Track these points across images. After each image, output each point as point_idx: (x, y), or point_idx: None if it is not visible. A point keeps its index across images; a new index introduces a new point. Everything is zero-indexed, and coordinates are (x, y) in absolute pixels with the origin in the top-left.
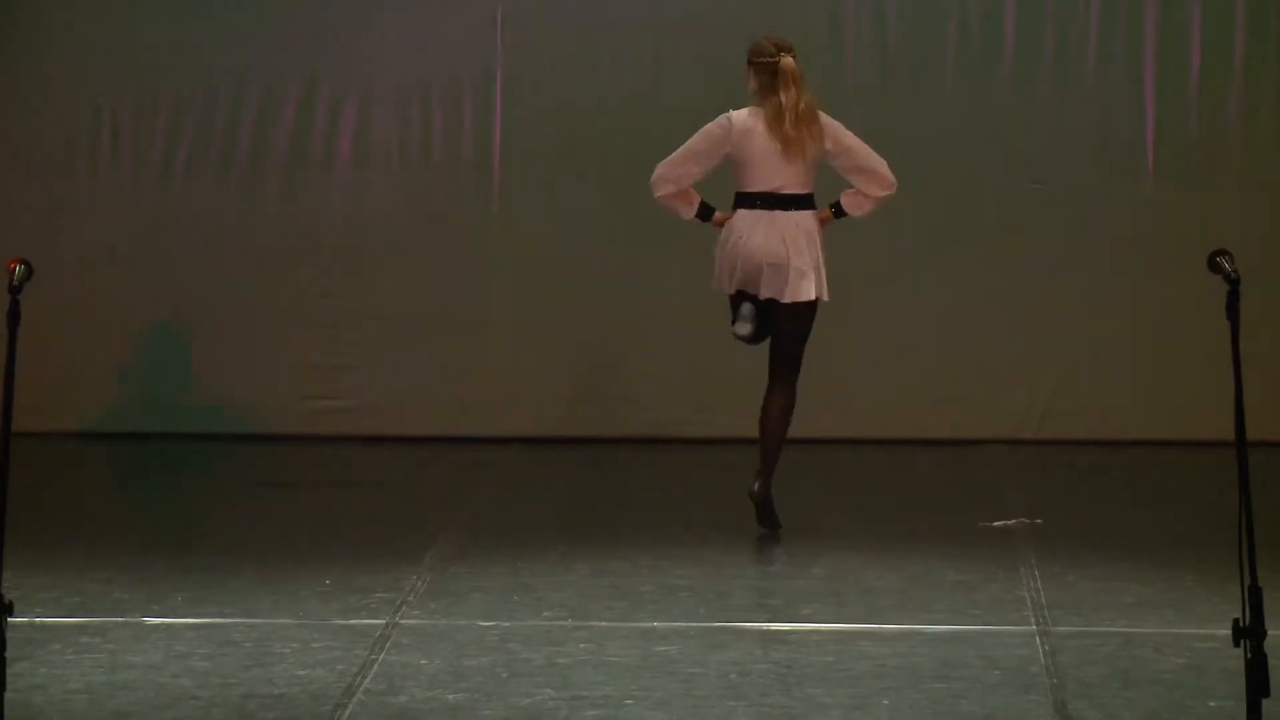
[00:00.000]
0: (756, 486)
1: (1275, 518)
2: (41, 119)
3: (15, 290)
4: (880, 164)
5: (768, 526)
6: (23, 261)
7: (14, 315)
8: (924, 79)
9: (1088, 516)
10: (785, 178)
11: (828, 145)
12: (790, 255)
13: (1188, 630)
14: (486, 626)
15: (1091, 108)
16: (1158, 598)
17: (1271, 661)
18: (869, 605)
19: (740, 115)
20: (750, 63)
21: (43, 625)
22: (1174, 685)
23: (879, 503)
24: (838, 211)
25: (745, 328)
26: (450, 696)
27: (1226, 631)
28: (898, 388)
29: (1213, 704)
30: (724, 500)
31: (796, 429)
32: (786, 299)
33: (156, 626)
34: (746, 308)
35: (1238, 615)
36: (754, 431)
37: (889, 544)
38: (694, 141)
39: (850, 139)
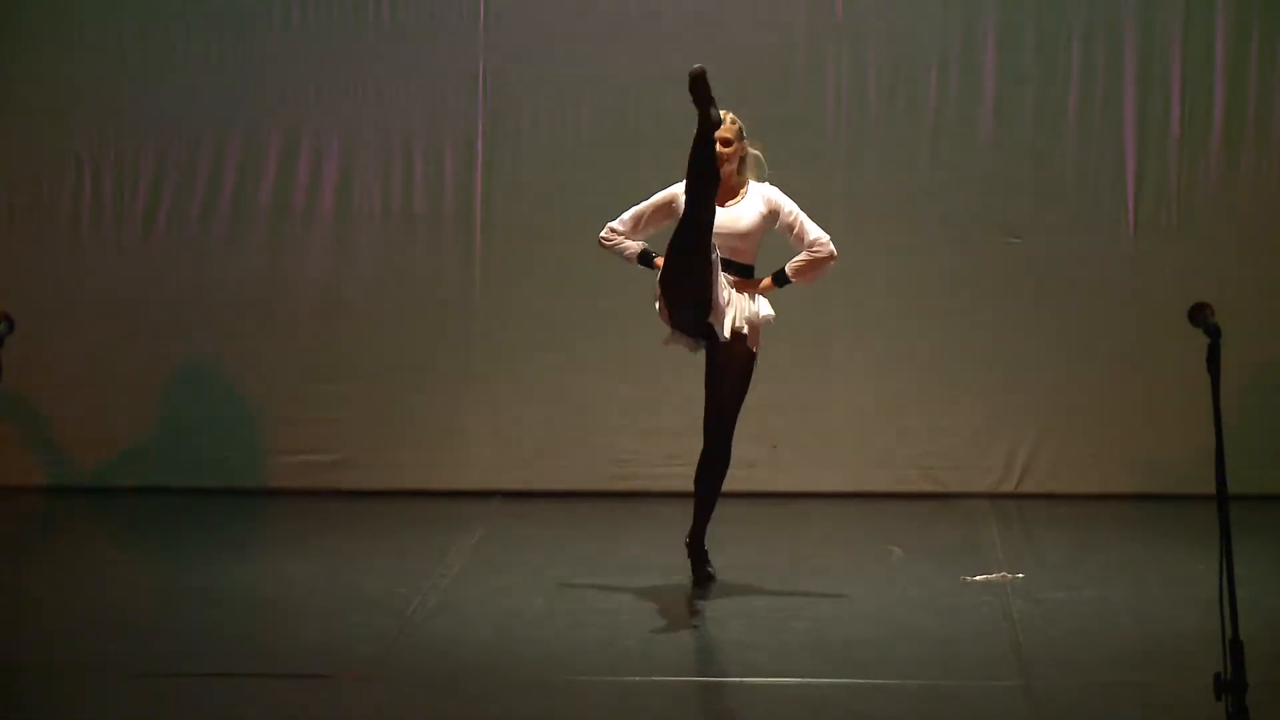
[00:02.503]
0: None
1: (1257, 572)
2: (22, 171)
3: None
4: None
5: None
6: (5, 316)
7: None
8: (902, 133)
9: (1069, 571)
10: None
11: None
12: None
13: (1170, 684)
14: (468, 680)
15: (1070, 162)
16: (1140, 651)
17: (1252, 715)
18: (850, 660)
19: None
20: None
21: (25, 676)
22: None
23: (860, 557)
24: None
25: None
26: None
27: (1209, 684)
28: (878, 442)
29: None
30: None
31: (778, 482)
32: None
33: (137, 677)
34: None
35: (1219, 669)
36: (737, 485)
37: (870, 598)
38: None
39: None
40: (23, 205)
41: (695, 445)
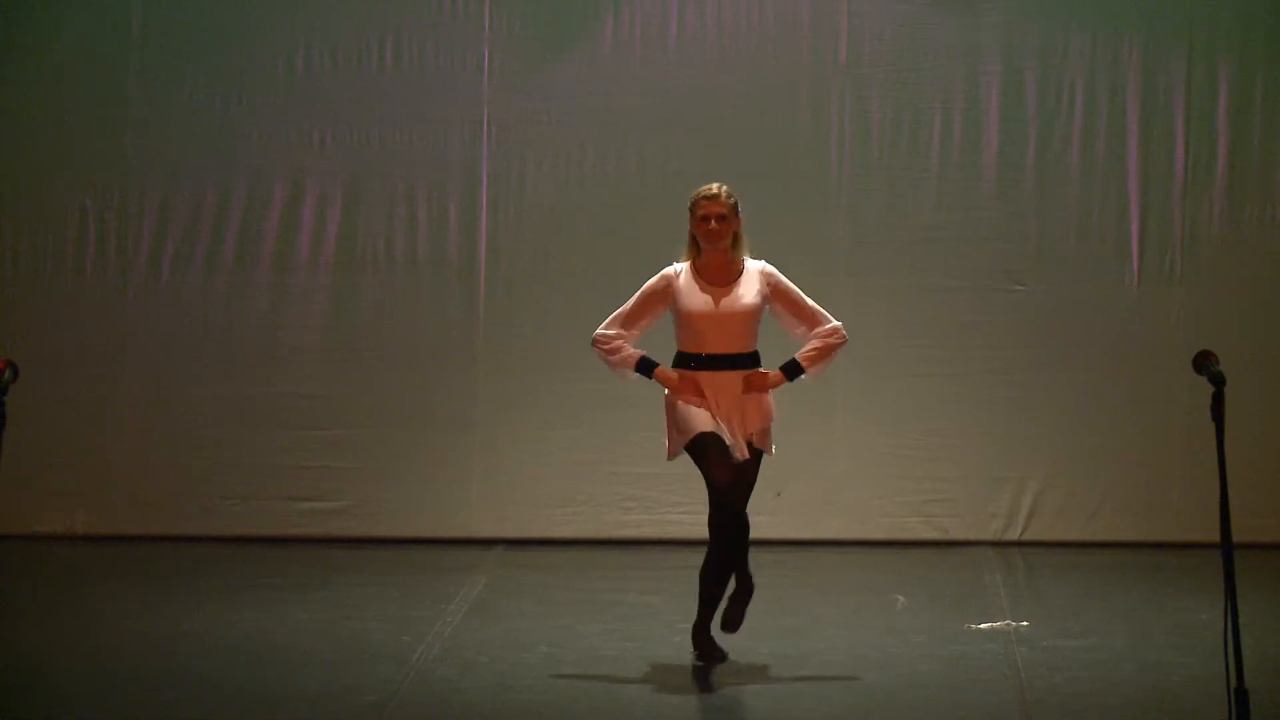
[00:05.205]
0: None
1: (1261, 620)
2: (27, 219)
3: (1, 393)
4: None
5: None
6: (9, 364)
7: (0, 418)
8: (905, 180)
9: (1073, 618)
10: None
11: None
12: None
13: None
14: None
15: (1074, 210)
16: (1144, 699)
17: None
18: (854, 707)
19: None
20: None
21: None
22: None
23: (865, 604)
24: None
25: None
26: None
27: None
28: (881, 489)
29: None
30: None
31: (781, 530)
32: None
33: None
34: None
35: (1224, 718)
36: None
37: (874, 645)
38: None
39: None
40: (27, 252)
41: (700, 492)
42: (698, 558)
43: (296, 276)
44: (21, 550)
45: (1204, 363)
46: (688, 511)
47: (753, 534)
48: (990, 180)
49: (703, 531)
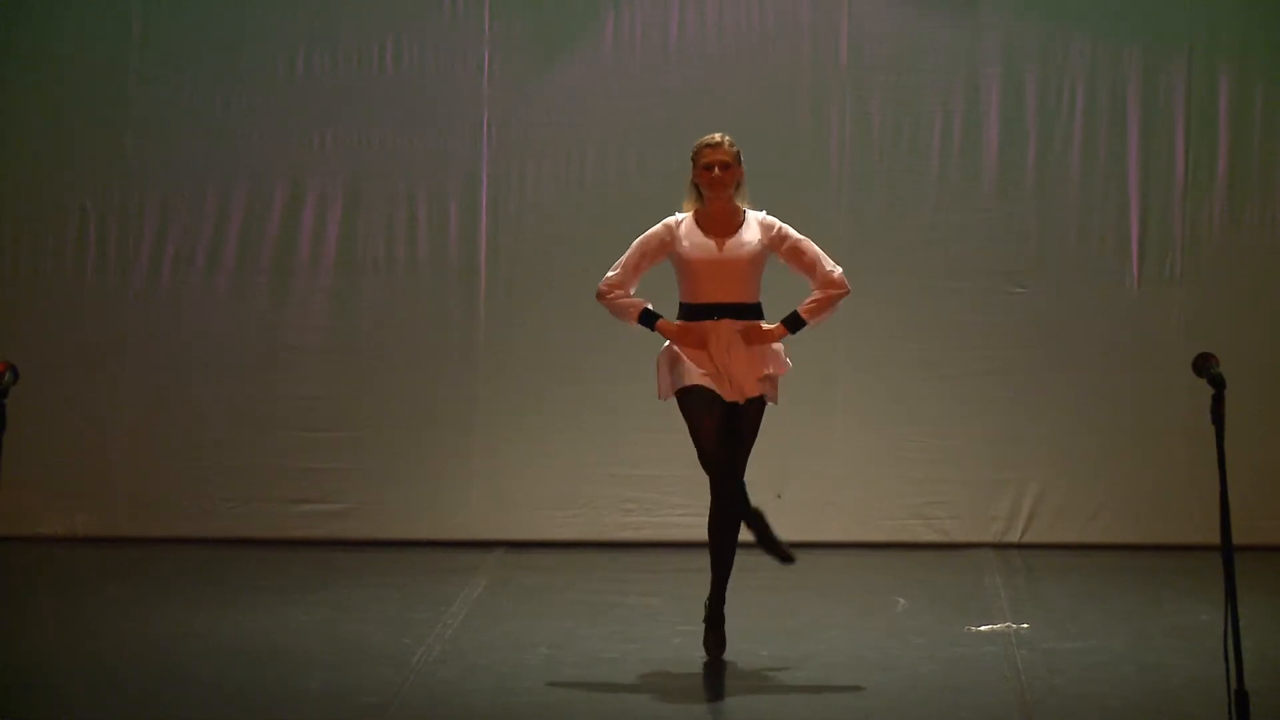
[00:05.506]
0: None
1: (1262, 623)
2: (26, 221)
3: (1, 395)
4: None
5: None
6: (10, 366)
7: (1, 420)
8: (906, 183)
9: (1073, 621)
10: None
11: None
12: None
13: None
14: None
15: (1074, 212)
16: (1144, 701)
17: None
18: (855, 709)
19: None
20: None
21: None
22: None
23: (864, 606)
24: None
25: None
26: None
27: None
28: (882, 491)
29: None
30: None
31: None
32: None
33: None
34: None
35: None
36: (741, 534)
37: (874, 648)
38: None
39: None
40: (27, 255)
41: (701, 493)
42: (699, 559)
43: (297, 278)
44: (22, 551)
45: (1204, 365)
46: (688, 513)
47: (754, 535)
48: (990, 181)
49: (703, 534)
